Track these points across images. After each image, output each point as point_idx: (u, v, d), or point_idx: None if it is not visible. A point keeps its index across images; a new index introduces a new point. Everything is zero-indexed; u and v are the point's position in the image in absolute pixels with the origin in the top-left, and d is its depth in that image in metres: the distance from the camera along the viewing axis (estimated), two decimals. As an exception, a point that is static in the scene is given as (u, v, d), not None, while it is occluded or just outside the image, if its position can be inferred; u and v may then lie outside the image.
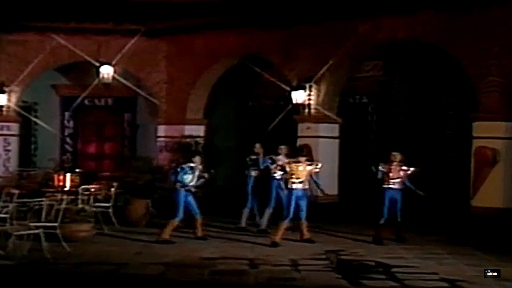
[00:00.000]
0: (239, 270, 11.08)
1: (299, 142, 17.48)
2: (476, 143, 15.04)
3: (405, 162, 14.06)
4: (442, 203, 16.80)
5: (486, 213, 14.52)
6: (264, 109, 21.04)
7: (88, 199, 14.81)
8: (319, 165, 14.15)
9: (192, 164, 13.97)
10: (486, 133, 14.89)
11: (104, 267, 11.39)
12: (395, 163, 14.00)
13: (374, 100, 20.08)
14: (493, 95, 14.81)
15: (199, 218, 13.98)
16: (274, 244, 13.24)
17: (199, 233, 14.01)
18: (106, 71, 19.15)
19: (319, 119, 17.50)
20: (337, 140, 17.87)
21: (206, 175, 14.28)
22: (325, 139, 17.55)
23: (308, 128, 17.52)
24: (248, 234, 14.68)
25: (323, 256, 12.30)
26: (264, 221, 15.08)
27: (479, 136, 15.01)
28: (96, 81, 19.49)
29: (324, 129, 17.58)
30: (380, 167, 14.05)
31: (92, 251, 12.69)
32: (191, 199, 13.84)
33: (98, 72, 19.18)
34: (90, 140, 22.54)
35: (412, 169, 14.02)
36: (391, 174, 13.93)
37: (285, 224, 13.46)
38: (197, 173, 13.94)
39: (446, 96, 18.30)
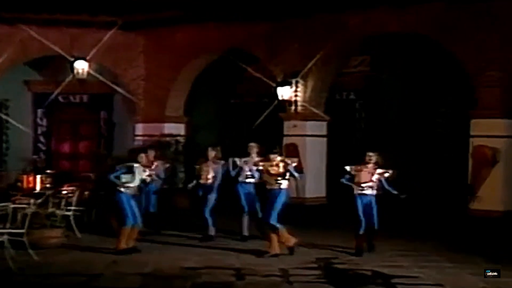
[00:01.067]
0: (225, 282, 10.03)
1: (285, 141, 16.75)
2: (474, 142, 14.25)
3: (381, 164, 12.19)
4: (438, 206, 15.96)
5: (486, 217, 13.69)
6: (247, 107, 20.42)
7: (60, 203, 13.75)
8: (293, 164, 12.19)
9: (135, 164, 12.39)
10: (485, 131, 14.08)
11: (75, 278, 10.33)
12: (369, 165, 12.14)
13: (362, 96, 19.47)
14: (492, 91, 14.02)
15: (134, 227, 12.24)
16: (291, 251, 11.98)
17: (131, 243, 12.20)
18: (81, 66, 18.25)
19: (306, 116, 16.66)
20: (324, 139, 17.07)
21: (152, 176, 13.03)
22: (312, 137, 16.68)
23: (295, 126, 16.68)
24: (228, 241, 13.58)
25: (315, 265, 11.30)
26: (245, 228, 13.64)
27: (477, 134, 14.21)
28: (70, 77, 18.54)
29: (312, 127, 16.78)
30: (348, 169, 12.25)
31: (62, 260, 11.60)
32: (133, 202, 12.27)
33: (72, 68, 18.21)
34: (64, 139, 21.66)
35: (389, 171, 12.13)
36: (361, 178, 12.07)
37: (283, 228, 12.00)
38: (137, 173, 12.27)
39: (439, 92, 17.49)
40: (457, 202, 14.73)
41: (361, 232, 12.11)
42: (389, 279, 10.18)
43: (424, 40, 15.44)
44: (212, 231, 13.60)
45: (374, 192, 12.17)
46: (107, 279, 10.31)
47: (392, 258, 11.92)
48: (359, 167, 12.21)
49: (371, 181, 12.12)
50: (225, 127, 20.65)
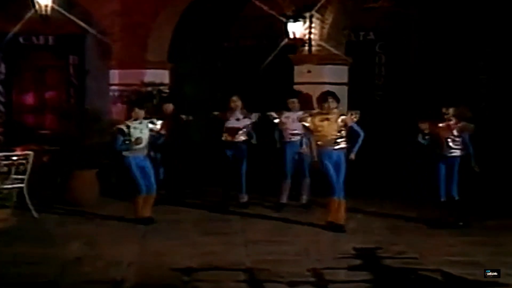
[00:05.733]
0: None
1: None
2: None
3: (468, 117, 10.10)
4: (497, 176, 12.87)
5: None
6: (243, 51, 17.87)
7: (9, 172, 10.56)
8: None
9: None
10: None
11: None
12: (450, 121, 10.13)
13: (383, 37, 16.72)
14: None
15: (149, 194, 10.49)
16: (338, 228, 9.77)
17: (146, 212, 10.44)
18: (43, 1, 15.08)
19: (324, 59, 13.59)
20: (345, 87, 14.01)
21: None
22: (331, 85, 13.53)
23: (309, 71, 13.61)
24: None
25: (357, 262, 8.15)
26: (284, 197, 11.59)
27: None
28: (31, 13, 15.42)
29: (330, 72, 13.68)
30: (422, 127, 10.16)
31: (5, 255, 8.33)
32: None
33: (33, 2, 15.10)
34: (27, 89, 18.75)
35: (463, 123, 10.02)
36: (442, 136, 10.12)
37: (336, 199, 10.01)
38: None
39: (484, 32, 14.28)
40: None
41: (443, 199, 10.22)
42: (472, 289, 7.05)
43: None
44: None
45: (460, 153, 10.15)
46: (62, 290, 7.16)
47: (459, 248, 8.77)
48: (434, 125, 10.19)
49: (456, 137, 10.10)
50: (218, 75, 17.93)
